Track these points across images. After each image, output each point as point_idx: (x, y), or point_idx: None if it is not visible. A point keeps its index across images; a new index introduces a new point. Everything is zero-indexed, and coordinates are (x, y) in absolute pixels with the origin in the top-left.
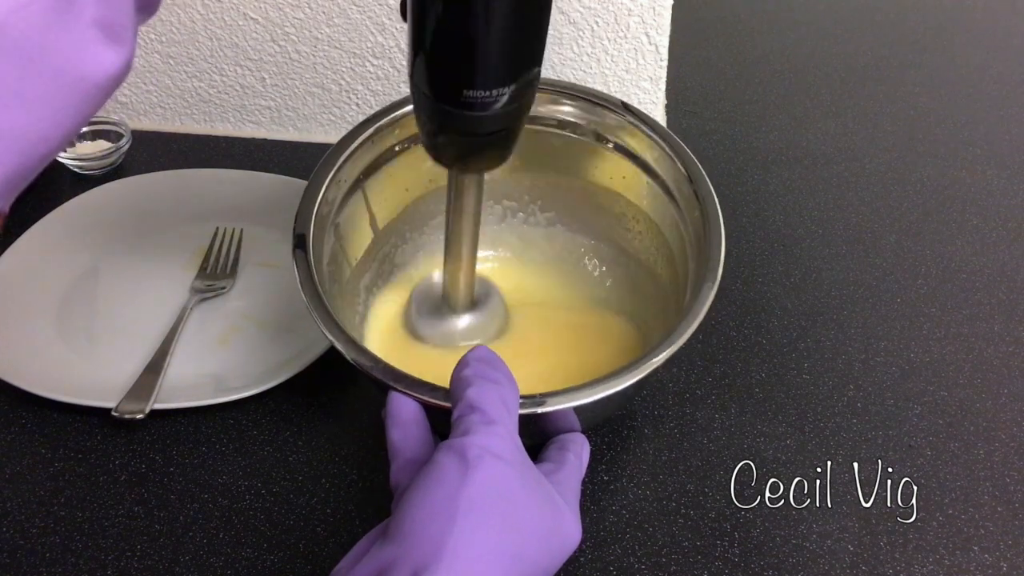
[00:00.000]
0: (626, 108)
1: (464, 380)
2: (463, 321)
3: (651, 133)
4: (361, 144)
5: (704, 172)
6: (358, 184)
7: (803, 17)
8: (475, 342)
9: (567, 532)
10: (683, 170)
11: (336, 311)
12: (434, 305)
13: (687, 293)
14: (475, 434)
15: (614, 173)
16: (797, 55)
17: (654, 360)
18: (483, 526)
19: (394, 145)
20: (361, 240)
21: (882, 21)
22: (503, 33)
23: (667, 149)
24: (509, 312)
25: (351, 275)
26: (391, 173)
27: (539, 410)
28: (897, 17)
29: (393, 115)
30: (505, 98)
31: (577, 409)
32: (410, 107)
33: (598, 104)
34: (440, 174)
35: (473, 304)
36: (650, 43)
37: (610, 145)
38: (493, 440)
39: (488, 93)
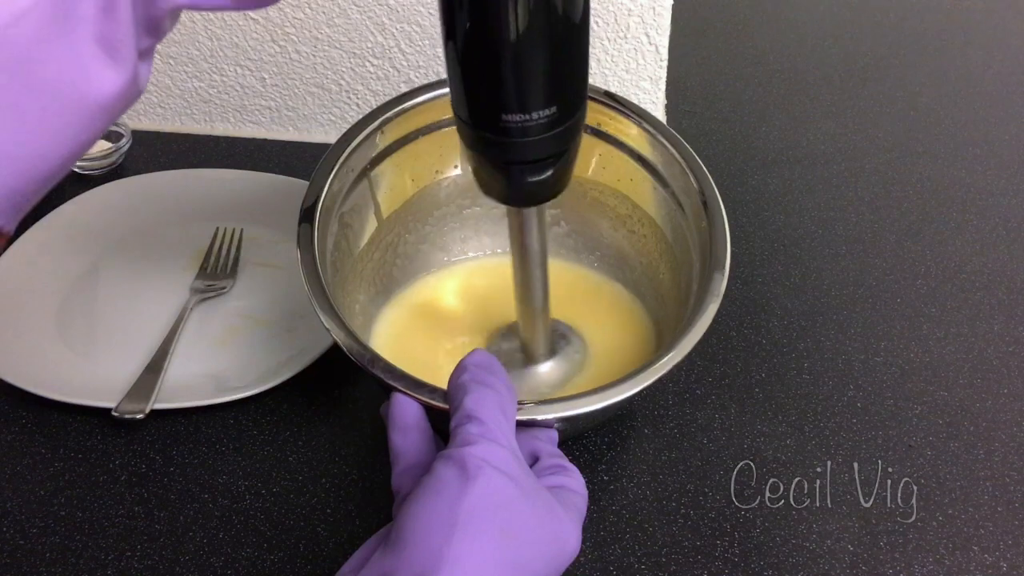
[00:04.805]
0: (641, 114)
1: (462, 387)
2: (545, 370)
3: (665, 142)
4: (369, 134)
5: (716, 189)
6: (364, 173)
7: (803, 17)
8: (560, 392)
9: (565, 540)
10: (695, 183)
11: (338, 305)
12: (511, 355)
13: (689, 304)
14: (473, 444)
15: (622, 175)
16: (797, 55)
17: (654, 370)
18: (482, 537)
19: (402, 136)
20: (365, 229)
21: (882, 21)
22: (535, 52)
23: (679, 158)
24: (589, 352)
25: (354, 265)
26: (397, 163)
27: (538, 417)
28: (897, 17)
29: (401, 106)
30: (547, 122)
31: (574, 417)
32: (419, 98)
33: (611, 106)
34: (445, 164)
35: (552, 352)
36: (650, 43)
37: (623, 149)
38: (491, 450)
39: (528, 116)
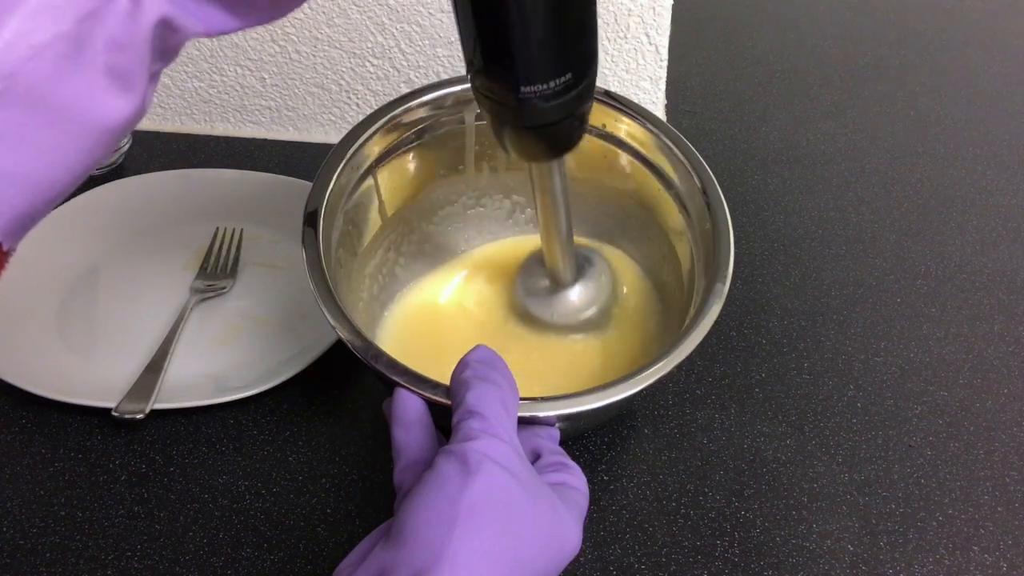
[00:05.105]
0: (645, 115)
1: (464, 383)
2: (574, 294)
3: (668, 142)
4: (375, 132)
5: (720, 191)
6: (370, 171)
7: (803, 17)
8: (591, 312)
9: (566, 537)
10: (698, 184)
11: (342, 302)
12: (539, 284)
13: (692, 305)
14: (475, 440)
15: (628, 177)
16: (797, 55)
17: (655, 370)
18: (483, 532)
19: (408, 134)
20: (369, 227)
21: (882, 21)
22: (546, 27)
23: (683, 159)
24: (613, 271)
25: (358, 262)
26: (402, 161)
27: (539, 414)
28: (897, 17)
29: (407, 105)
30: (562, 88)
31: (575, 415)
32: (424, 96)
33: (615, 107)
34: (449, 164)
35: (578, 276)
36: (650, 43)
37: (627, 151)
38: (493, 446)
39: (545, 86)
